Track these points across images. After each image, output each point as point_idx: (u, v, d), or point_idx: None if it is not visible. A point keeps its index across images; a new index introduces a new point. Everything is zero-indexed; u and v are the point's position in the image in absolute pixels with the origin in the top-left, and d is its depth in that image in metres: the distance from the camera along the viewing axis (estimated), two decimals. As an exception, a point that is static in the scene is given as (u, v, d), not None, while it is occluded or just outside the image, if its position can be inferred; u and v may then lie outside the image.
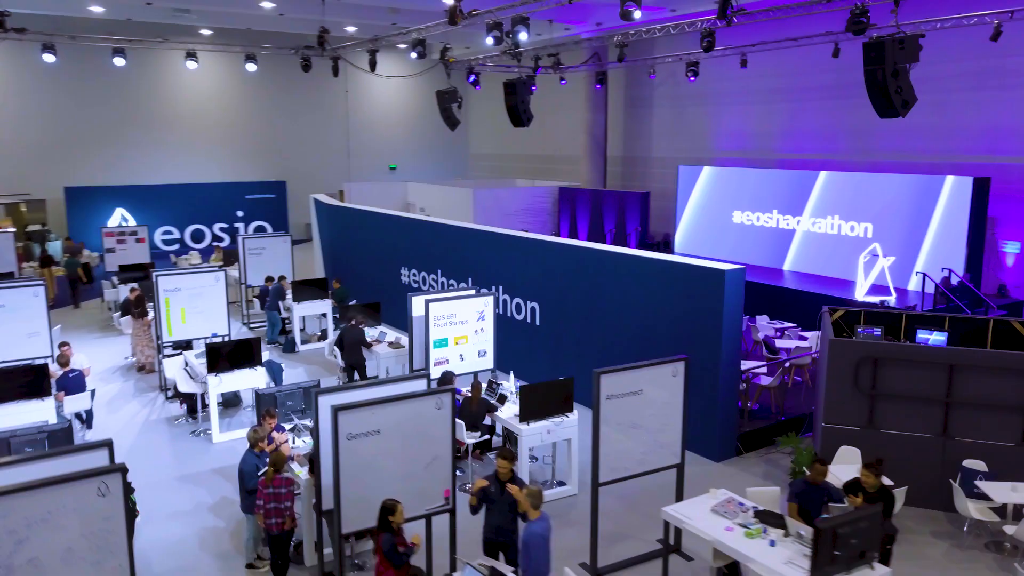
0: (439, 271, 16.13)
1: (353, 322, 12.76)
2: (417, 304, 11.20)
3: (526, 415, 9.33)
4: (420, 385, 7.46)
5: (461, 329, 11.33)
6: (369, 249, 18.82)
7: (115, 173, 27.73)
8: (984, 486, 8.57)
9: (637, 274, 11.81)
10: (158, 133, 28.53)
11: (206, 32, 27.80)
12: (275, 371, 12.05)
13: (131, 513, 7.17)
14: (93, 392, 11.24)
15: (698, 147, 24.78)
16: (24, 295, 11.87)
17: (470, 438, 9.75)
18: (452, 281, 15.67)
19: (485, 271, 14.76)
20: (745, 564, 6.75)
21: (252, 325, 17.85)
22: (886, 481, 8.15)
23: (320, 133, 31.96)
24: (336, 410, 6.60)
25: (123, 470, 5.44)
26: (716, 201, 22.62)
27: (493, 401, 10.00)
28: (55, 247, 23.60)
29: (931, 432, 9.36)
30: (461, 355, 11.37)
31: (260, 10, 22.79)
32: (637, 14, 12.19)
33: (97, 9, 23.18)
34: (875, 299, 16.32)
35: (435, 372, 10.89)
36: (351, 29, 25.07)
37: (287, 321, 16.29)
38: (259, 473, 7.62)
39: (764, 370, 12.20)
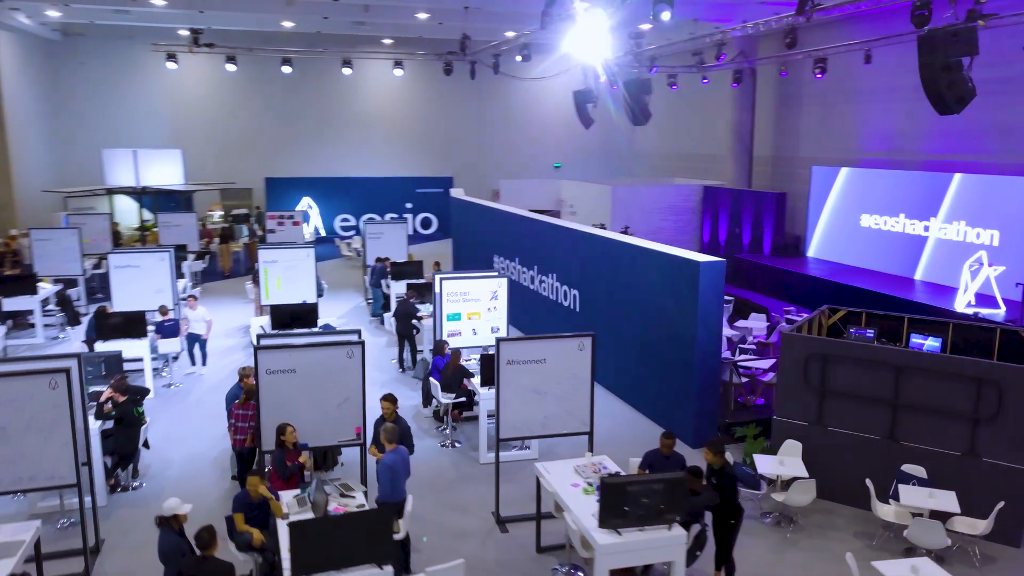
0: (517, 259, 17.41)
1: (409, 298, 14.45)
2: (438, 283, 12.62)
3: (486, 381, 10.43)
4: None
5: (474, 306, 12.57)
6: (479, 238, 20.49)
7: (305, 166, 31.88)
8: (902, 489, 8.37)
9: (635, 263, 12.42)
10: (342, 132, 32.33)
11: (387, 41, 31.16)
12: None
13: (138, 419, 9.34)
14: (196, 337, 13.96)
15: (843, 147, 23.67)
16: (153, 259, 14.87)
17: (444, 398, 11.03)
18: (524, 268, 16.89)
19: (547, 260, 15.83)
20: (564, 513, 7.41)
21: (370, 300, 20.21)
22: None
23: (486, 132, 34.25)
24: (256, 349, 8.26)
25: (66, 371, 7.41)
26: (846, 204, 21.63)
27: (470, 369, 11.18)
28: (242, 230, 27.83)
29: (877, 434, 9.16)
30: (474, 329, 12.62)
31: (417, 20, 25.38)
32: (667, 15, 12.62)
33: (288, 24, 27.07)
34: (974, 311, 15.17)
35: (448, 341, 12.29)
36: (510, 34, 26.84)
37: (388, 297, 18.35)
38: (235, 399, 9.45)
39: (769, 365, 12.19)
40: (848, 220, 21.47)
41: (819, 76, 20.91)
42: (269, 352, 8.34)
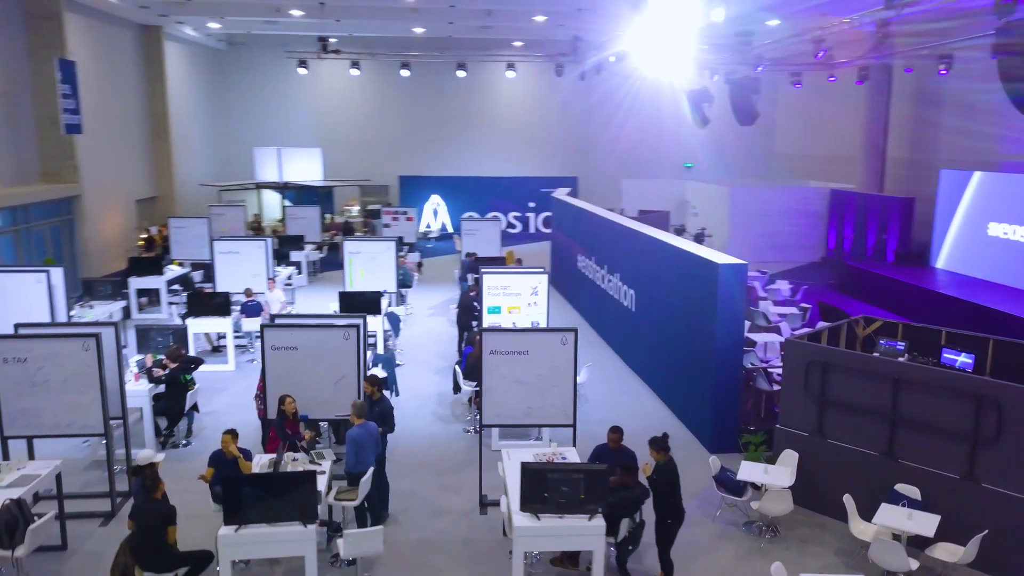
0: (594, 258, 17.60)
1: (470, 292, 15.11)
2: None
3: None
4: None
5: (515, 300, 13.00)
6: (572, 237, 20.82)
7: (435, 165, 33.42)
8: (882, 508, 7.94)
9: (666, 262, 12.49)
10: (471, 132, 33.60)
11: (518, 43, 32.05)
12: (394, 321, 14.98)
13: (185, 384, 10.58)
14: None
15: (981, 150, 21.72)
16: (252, 247, 16.49)
17: (466, 386, 11.56)
18: (598, 267, 17.06)
19: (613, 258, 15.95)
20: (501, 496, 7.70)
21: (463, 293, 21.13)
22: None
23: (613, 132, 34.29)
24: (263, 327, 9.22)
25: (96, 336, 8.65)
26: (977, 211, 19.90)
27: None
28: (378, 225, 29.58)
29: (875, 450, 8.69)
30: (514, 323, 13.04)
31: (535, 22, 26.05)
32: (720, 14, 12.42)
33: (419, 30, 28.60)
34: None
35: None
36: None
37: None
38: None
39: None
40: (978, 229, 19.74)
41: (943, 73, 19.37)
42: (275, 330, 9.26)
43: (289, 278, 19.07)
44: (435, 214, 33.12)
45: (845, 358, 9.00)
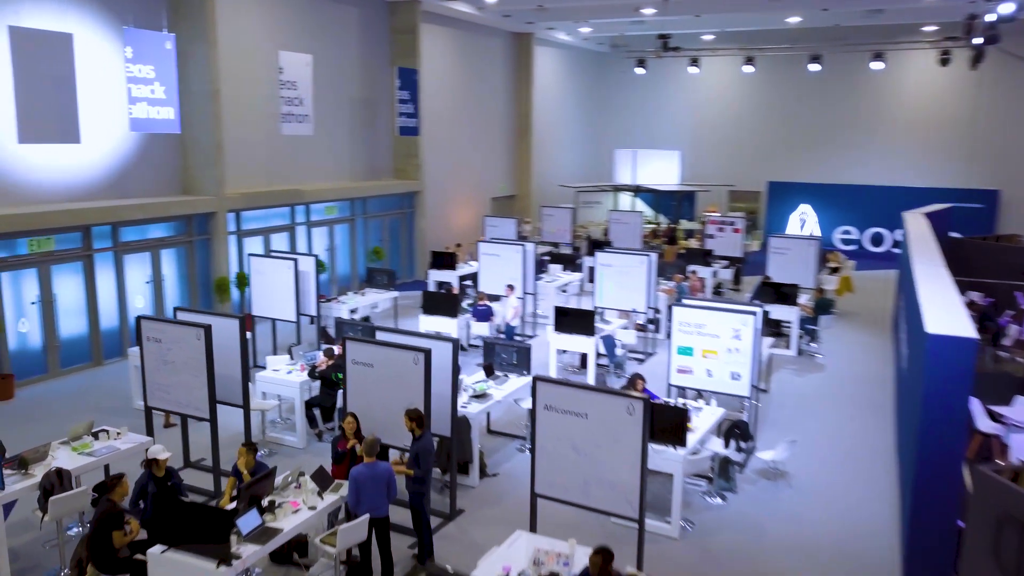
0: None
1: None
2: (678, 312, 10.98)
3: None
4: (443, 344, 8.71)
5: (711, 342, 10.56)
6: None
7: (808, 170, 29.57)
8: None
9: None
10: (854, 134, 28.92)
11: (929, 28, 26.63)
12: (609, 345, 13.39)
13: (336, 382, 10.86)
14: (512, 329, 15.01)
15: None
16: (510, 251, 16.27)
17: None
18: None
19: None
20: None
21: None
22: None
23: (1058, 136, 26.49)
24: (344, 339, 8.83)
25: (207, 328, 9.15)
26: None
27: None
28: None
29: None
30: (708, 370, 10.62)
31: (922, 3, 21.30)
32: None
33: (793, 19, 25.47)
34: None
35: (675, 379, 10.77)
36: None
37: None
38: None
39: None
40: None
41: None
42: (356, 343, 8.80)
43: (565, 287, 18.49)
44: (801, 224, 29.37)
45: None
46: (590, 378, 13.31)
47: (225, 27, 16.37)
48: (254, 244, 17.80)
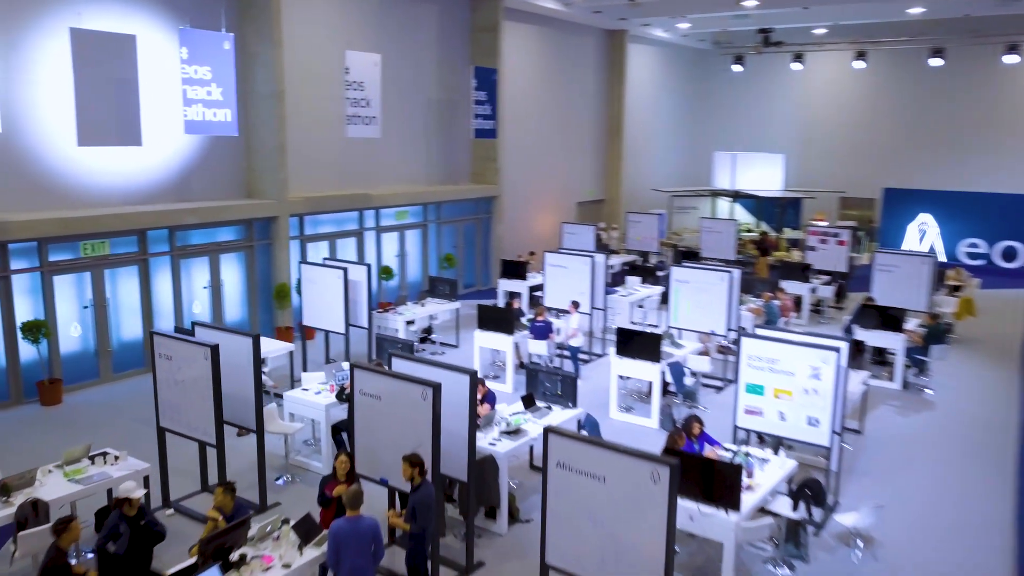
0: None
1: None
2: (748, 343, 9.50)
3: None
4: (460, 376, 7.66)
5: (785, 381, 9.04)
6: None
7: (928, 177, 26.78)
8: None
9: None
10: (980, 137, 25.94)
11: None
12: (677, 373, 11.96)
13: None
14: (576, 349, 13.80)
15: None
16: (578, 263, 15.04)
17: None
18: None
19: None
20: None
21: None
22: None
23: None
24: (352, 366, 7.92)
25: (214, 348, 8.45)
26: None
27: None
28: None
29: None
30: (781, 413, 9.10)
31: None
32: None
33: (915, 10, 23.01)
34: None
35: (743, 421, 9.34)
36: None
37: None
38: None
39: None
40: None
41: None
42: (363, 373, 7.87)
43: (642, 302, 17.08)
44: (921, 236, 26.62)
45: None
46: (654, 411, 11.94)
47: (291, 27, 15.91)
48: (319, 250, 17.31)
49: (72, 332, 13.28)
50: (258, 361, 8.96)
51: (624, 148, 27.05)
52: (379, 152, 18.54)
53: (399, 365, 8.17)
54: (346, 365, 11.53)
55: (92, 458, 8.24)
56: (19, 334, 12.33)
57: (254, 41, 15.32)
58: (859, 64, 24.50)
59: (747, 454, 8.44)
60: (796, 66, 25.59)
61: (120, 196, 13.98)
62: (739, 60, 23.99)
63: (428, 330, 16.04)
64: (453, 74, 20.48)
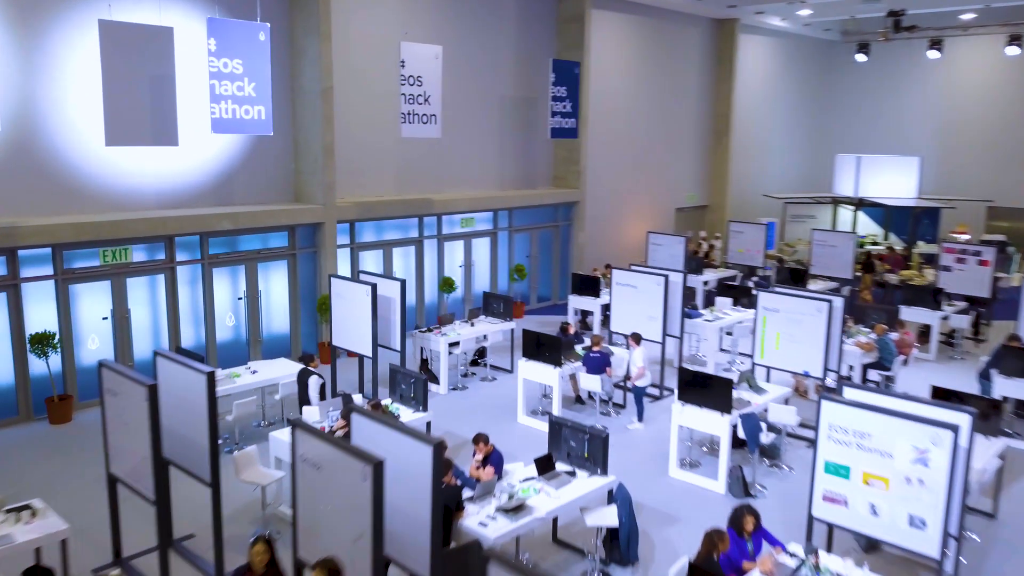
0: None
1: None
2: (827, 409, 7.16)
3: None
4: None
5: (880, 464, 6.67)
6: None
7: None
8: None
9: None
10: None
11: None
12: (751, 428, 9.62)
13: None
14: (641, 390, 11.69)
15: None
16: (648, 281, 12.87)
17: None
18: None
19: None
20: None
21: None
22: None
23: None
24: (294, 426, 6.27)
25: (151, 387, 7.05)
26: None
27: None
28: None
29: None
30: (872, 505, 6.74)
31: None
32: None
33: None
34: None
35: (820, 511, 7.06)
36: None
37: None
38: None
39: None
40: None
41: None
42: (303, 432, 6.19)
43: (731, 328, 14.67)
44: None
45: None
46: (721, 472, 9.70)
47: (342, 16, 14.61)
48: (372, 259, 15.96)
49: (90, 345, 12.43)
50: (213, 401, 7.43)
51: (732, 149, 24.39)
52: (442, 153, 16.99)
53: (359, 425, 6.47)
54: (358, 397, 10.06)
55: (8, 511, 7.00)
56: (28, 346, 11.55)
57: (301, 34, 14.12)
58: (1012, 50, 20.77)
59: (816, 566, 6.19)
60: (933, 54, 22.17)
61: (149, 200, 13.06)
62: (863, 49, 20.85)
63: (481, 352, 14.36)
64: (533, 69, 18.68)
